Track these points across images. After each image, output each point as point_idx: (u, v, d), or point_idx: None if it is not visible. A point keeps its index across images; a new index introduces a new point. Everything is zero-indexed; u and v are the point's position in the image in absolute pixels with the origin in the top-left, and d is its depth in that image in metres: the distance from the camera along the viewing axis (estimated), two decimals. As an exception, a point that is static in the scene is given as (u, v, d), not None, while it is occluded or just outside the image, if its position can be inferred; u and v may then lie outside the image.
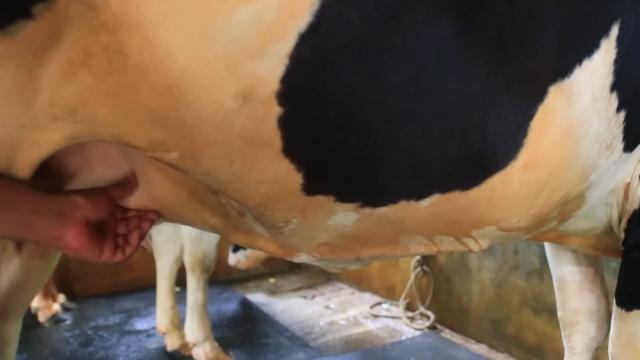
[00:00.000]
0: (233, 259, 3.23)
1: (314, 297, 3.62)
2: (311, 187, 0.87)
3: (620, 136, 1.00)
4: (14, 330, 1.21)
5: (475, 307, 2.88)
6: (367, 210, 0.92)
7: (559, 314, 1.70)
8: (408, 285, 3.18)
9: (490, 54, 0.78)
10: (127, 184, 0.98)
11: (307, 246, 1.05)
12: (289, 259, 1.11)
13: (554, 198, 0.99)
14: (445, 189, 0.89)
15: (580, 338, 1.67)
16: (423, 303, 3.13)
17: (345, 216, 0.94)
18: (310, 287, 3.86)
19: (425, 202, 0.90)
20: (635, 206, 1.17)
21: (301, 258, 1.10)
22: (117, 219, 0.96)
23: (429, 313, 3.07)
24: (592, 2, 0.84)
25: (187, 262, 2.35)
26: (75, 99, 0.79)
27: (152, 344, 2.66)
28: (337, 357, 2.59)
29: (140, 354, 2.57)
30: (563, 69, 0.84)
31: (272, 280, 3.98)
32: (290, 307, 3.38)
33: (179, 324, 2.53)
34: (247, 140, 0.81)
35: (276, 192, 0.89)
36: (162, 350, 2.57)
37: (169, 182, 0.97)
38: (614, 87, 0.92)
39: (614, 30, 0.87)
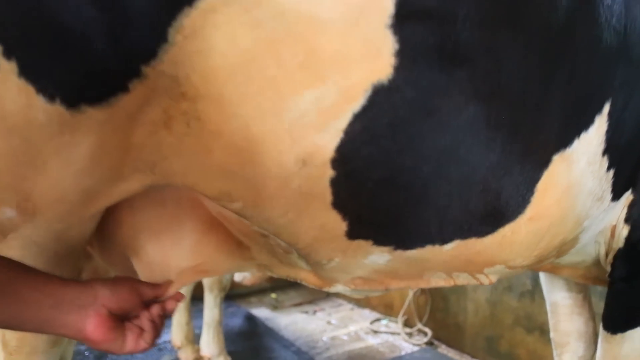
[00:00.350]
0: (239, 275, 3.38)
1: (315, 312, 3.77)
2: (353, 233, 1.05)
3: (609, 189, 1.19)
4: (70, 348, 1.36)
5: (470, 325, 3.06)
6: (399, 252, 1.10)
7: (552, 334, 1.88)
8: (406, 303, 3.35)
9: (507, 132, 0.97)
10: (162, 287, 1.01)
11: (343, 279, 1.23)
12: (325, 289, 1.28)
13: (554, 242, 1.18)
14: (464, 236, 1.07)
15: (570, 357, 1.85)
16: (421, 320, 3.31)
17: (380, 256, 1.11)
18: (310, 302, 4.02)
19: (447, 247, 1.08)
20: (620, 245, 1.36)
21: (337, 288, 1.27)
22: (142, 307, 0.94)
23: (427, 329, 3.24)
24: (590, 87, 1.03)
25: (206, 281, 2.50)
26: (156, 155, 0.96)
27: (165, 358, 2.80)
28: (342, 371, 2.75)
29: (155, 367, 2.71)
30: (565, 141, 1.03)
31: (273, 295, 4.12)
32: (293, 322, 3.53)
33: (193, 339, 2.68)
34: (303, 195, 0.98)
35: (323, 237, 1.06)
36: (176, 363, 2.72)
37: (230, 225, 1.14)
38: (605, 152, 1.11)
39: (606, 108, 1.07)
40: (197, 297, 2.77)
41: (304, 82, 0.88)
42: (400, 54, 0.89)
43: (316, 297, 4.11)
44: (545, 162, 1.03)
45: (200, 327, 2.72)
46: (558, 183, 1.06)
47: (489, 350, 2.95)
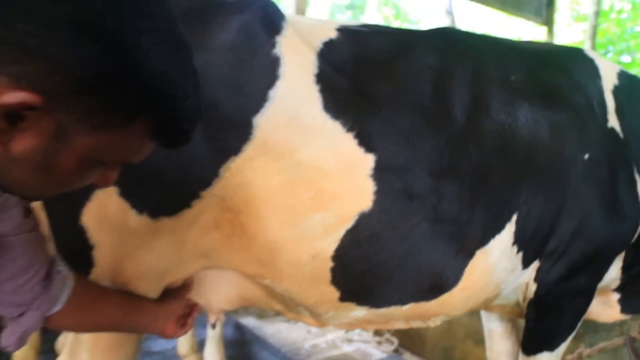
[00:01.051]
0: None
1: (296, 322, 4.26)
2: (343, 299, 1.57)
3: (520, 263, 1.73)
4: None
5: (430, 336, 3.61)
6: (373, 310, 1.62)
7: (487, 354, 2.43)
8: (376, 315, 3.88)
9: (446, 239, 1.50)
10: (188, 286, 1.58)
11: (334, 323, 1.74)
12: (321, 327, 1.79)
13: (479, 301, 1.71)
14: (417, 301, 1.60)
15: (502, 371, 2.41)
16: (389, 330, 3.84)
17: (359, 312, 1.64)
18: (291, 311, 4.51)
19: (405, 307, 1.62)
20: (531, 295, 1.90)
21: (329, 328, 1.78)
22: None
23: (394, 339, 3.78)
24: (502, 206, 1.56)
25: (210, 301, 2.97)
26: (208, 247, 1.45)
27: (171, 365, 3.27)
28: (322, 376, 3.27)
29: (161, 373, 3.17)
30: (484, 242, 1.57)
31: (258, 304, 4.60)
32: (278, 330, 4.03)
33: (197, 348, 3.15)
34: (312, 277, 1.48)
35: (323, 300, 1.57)
36: (180, 371, 3.18)
37: (259, 290, 1.63)
38: (514, 243, 1.64)
39: (514, 217, 1.60)
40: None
41: (314, 209, 1.39)
42: (377, 193, 1.41)
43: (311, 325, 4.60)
44: (471, 255, 1.56)
45: (199, 335, 3.19)
46: (479, 267, 1.59)
47: (445, 357, 3.50)
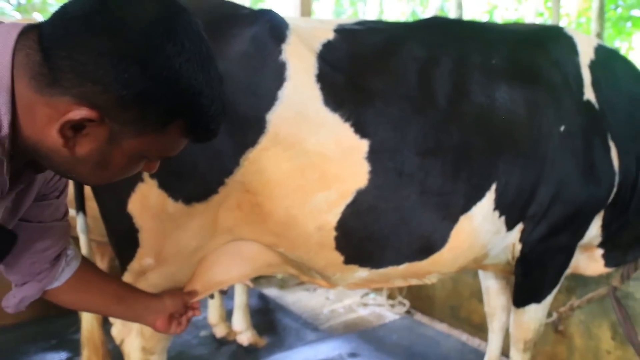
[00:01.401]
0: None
1: (315, 289, 4.57)
2: (347, 262, 1.83)
3: (504, 226, 1.97)
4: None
5: (438, 297, 3.88)
6: (373, 271, 1.89)
7: (485, 308, 2.69)
8: (389, 280, 4.16)
9: (433, 207, 1.75)
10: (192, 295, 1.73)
11: (342, 283, 2.01)
12: (332, 288, 2.07)
13: (467, 259, 1.96)
14: (410, 261, 1.86)
15: (497, 322, 2.67)
16: (401, 293, 4.13)
17: (362, 273, 1.90)
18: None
19: (401, 267, 1.88)
20: (518, 254, 2.13)
21: (339, 288, 2.06)
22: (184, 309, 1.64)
23: (405, 301, 4.07)
24: (481, 177, 1.80)
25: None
26: (233, 223, 1.72)
27: (202, 333, 3.59)
28: (340, 337, 3.58)
29: (195, 340, 3.49)
30: (467, 208, 1.81)
31: (279, 276, 4.89)
32: (298, 299, 4.34)
33: (225, 317, 3.47)
34: (319, 244, 1.75)
35: (330, 264, 1.84)
36: (212, 337, 3.49)
37: (276, 257, 1.90)
38: (495, 209, 1.88)
39: (493, 186, 1.84)
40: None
41: (319, 188, 1.65)
42: (372, 173, 1.66)
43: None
44: (455, 220, 1.81)
45: (226, 306, 3.51)
46: (464, 230, 1.84)
47: (452, 316, 3.78)
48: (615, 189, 2.07)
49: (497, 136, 1.83)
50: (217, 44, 1.56)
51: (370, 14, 14.85)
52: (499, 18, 14.53)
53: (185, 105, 0.88)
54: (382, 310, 4.09)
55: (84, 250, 2.10)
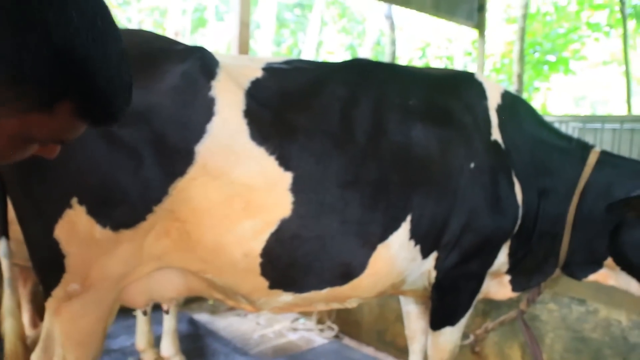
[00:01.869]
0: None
1: (246, 315, 4.59)
2: (272, 287, 1.93)
3: (419, 254, 2.12)
4: None
5: (366, 321, 4.02)
6: (297, 295, 1.99)
7: (406, 331, 2.84)
8: (319, 305, 4.26)
9: (353, 236, 1.89)
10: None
11: (267, 308, 2.09)
12: (257, 312, 2.15)
13: (385, 285, 2.11)
14: (332, 286, 1.98)
15: (417, 344, 2.82)
16: (329, 318, 4.23)
17: (287, 297, 2.00)
18: (242, 306, 4.83)
19: (323, 291, 1.99)
20: (433, 280, 2.30)
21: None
22: None
23: (334, 326, 4.17)
24: (397, 209, 1.95)
25: (165, 299, 3.28)
26: (161, 251, 1.78)
27: (129, 359, 3.53)
28: (269, 362, 3.62)
29: (121, 367, 3.43)
30: (384, 237, 1.95)
31: (210, 301, 4.88)
32: (229, 324, 4.34)
33: (153, 343, 3.43)
34: (245, 270, 1.84)
35: (255, 289, 1.93)
36: (139, 363, 3.46)
37: (203, 283, 1.96)
38: (411, 238, 2.03)
39: (409, 217, 1.99)
40: (155, 307, 3.50)
41: (245, 217, 1.74)
42: (295, 203, 1.77)
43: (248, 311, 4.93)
44: (373, 248, 1.95)
45: (155, 332, 3.47)
46: (382, 257, 1.98)
47: (378, 339, 3.92)
48: (519, 221, 2.29)
49: (412, 171, 2.00)
50: (151, 77, 1.65)
51: (309, 45, 15.23)
52: (431, 55, 15.35)
53: (72, 83, 0.79)
54: (312, 335, 4.17)
55: (5, 275, 2.06)
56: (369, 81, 2.10)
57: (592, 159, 2.33)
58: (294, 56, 16.40)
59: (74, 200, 1.62)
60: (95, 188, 1.64)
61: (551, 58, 13.83)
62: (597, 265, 2.38)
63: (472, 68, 11.46)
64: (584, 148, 2.40)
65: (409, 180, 1.99)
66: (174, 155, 1.66)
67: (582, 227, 2.32)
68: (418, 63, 15.53)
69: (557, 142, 2.40)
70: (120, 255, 1.74)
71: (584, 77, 18.66)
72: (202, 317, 4.48)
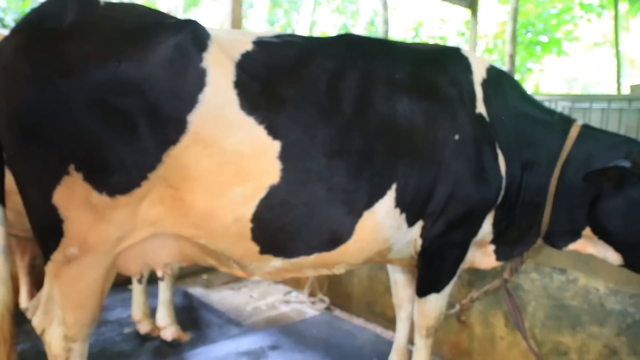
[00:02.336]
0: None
1: (239, 289, 4.70)
2: (262, 252, 2.02)
3: (404, 222, 2.21)
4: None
5: (356, 293, 4.13)
6: (287, 260, 2.08)
7: (393, 299, 2.95)
8: (310, 278, 4.37)
9: (340, 203, 1.97)
10: None
11: (258, 273, 2.19)
12: (249, 278, 2.24)
13: (372, 251, 2.20)
14: (320, 251, 2.07)
15: (404, 312, 2.94)
16: (321, 291, 4.34)
17: (276, 262, 2.09)
18: (236, 281, 4.91)
19: (311, 257, 2.08)
20: (419, 248, 2.39)
21: (255, 278, 2.23)
22: None
23: (325, 298, 4.29)
24: (383, 177, 2.03)
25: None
26: (155, 217, 1.86)
27: (126, 330, 3.63)
28: (262, 331, 3.73)
29: (118, 337, 3.52)
30: (370, 204, 2.03)
31: (204, 276, 4.98)
32: (223, 297, 4.45)
33: (149, 314, 3.53)
34: (236, 235, 1.92)
35: (247, 253, 2.02)
36: (135, 334, 3.53)
37: (196, 248, 2.04)
38: (396, 206, 2.12)
39: (394, 186, 2.07)
40: (150, 281, 3.59)
41: (236, 184, 1.82)
42: (283, 170, 1.86)
43: (240, 276, 5.02)
44: (359, 215, 2.03)
45: (150, 304, 3.57)
46: (368, 224, 2.07)
47: (368, 311, 4.04)
48: (503, 191, 2.37)
49: (397, 142, 2.07)
50: (145, 49, 1.70)
51: (303, 25, 15.16)
52: (424, 35, 15.32)
53: None
54: (303, 307, 4.28)
55: (1, 242, 2.11)
56: (356, 55, 2.16)
57: (574, 132, 2.41)
58: (287, 36, 16.29)
59: (71, 167, 1.69)
60: (92, 155, 1.71)
61: (544, 39, 13.85)
62: (576, 234, 2.47)
63: (465, 48, 11.43)
64: (566, 121, 2.48)
65: (394, 151, 2.06)
66: (168, 124, 1.73)
67: (563, 198, 2.41)
68: (411, 43, 15.47)
69: (540, 115, 2.48)
70: (116, 219, 1.81)
71: (577, 58, 18.72)
72: (196, 290, 4.59)
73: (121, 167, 1.72)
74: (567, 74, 22.23)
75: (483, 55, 14.72)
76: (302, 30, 14.96)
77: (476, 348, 3.35)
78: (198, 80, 1.75)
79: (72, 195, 1.73)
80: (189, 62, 1.75)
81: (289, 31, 16.53)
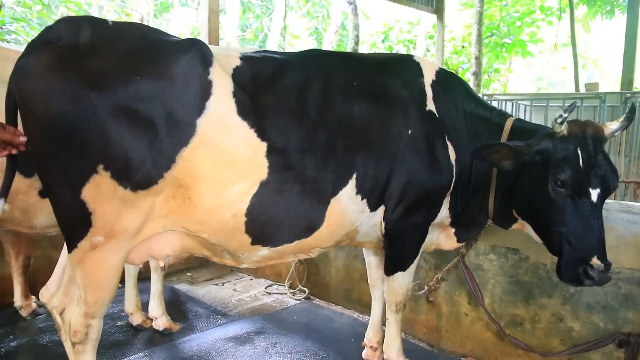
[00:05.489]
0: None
1: (223, 284, 4.96)
2: (253, 243, 2.33)
3: (367, 207, 2.53)
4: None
5: (334, 282, 4.43)
6: (272, 249, 2.39)
7: (368, 280, 3.26)
8: (290, 271, 4.66)
9: (310, 195, 2.30)
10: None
11: (248, 261, 2.48)
12: (238, 266, 2.53)
13: (340, 235, 2.51)
14: (299, 238, 2.38)
15: (378, 291, 3.25)
16: (301, 282, 4.63)
17: (264, 251, 2.40)
18: (219, 277, 5.18)
19: (292, 244, 2.40)
20: (383, 231, 2.71)
21: (244, 266, 2.53)
22: None
23: (305, 289, 4.58)
24: (341, 169, 2.36)
25: (152, 264, 3.61)
26: (167, 211, 2.16)
27: (119, 322, 3.86)
28: (247, 320, 4.01)
29: (112, 329, 3.75)
30: (335, 193, 2.35)
31: (189, 274, 5.23)
32: (208, 292, 4.71)
33: (141, 306, 3.77)
34: (233, 229, 2.23)
35: (240, 245, 2.31)
36: (128, 325, 3.77)
37: (196, 242, 2.33)
38: (357, 193, 2.44)
39: (354, 176, 2.40)
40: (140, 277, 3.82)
41: (233, 182, 2.14)
42: (269, 167, 2.18)
43: (223, 272, 5.29)
44: (328, 202, 2.35)
45: (143, 299, 3.81)
46: (335, 210, 2.39)
47: (345, 298, 4.34)
48: (454, 178, 2.71)
49: (355, 138, 2.42)
50: (160, 65, 2.04)
51: (274, 29, 15.45)
52: (394, 39, 15.76)
53: None
54: (285, 298, 4.57)
55: None
56: (319, 68, 2.52)
57: (508, 125, 2.77)
58: (259, 40, 16.63)
59: (100, 167, 1.97)
60: (118, 156, 1.98)
61: (509, 41, 14.41)
62: (512, 216, 2.79)
63: (433, 51, 11.90)
64: (503, 116, 2.85)
65: (352, 145, 2.40)
66: (181, 128, 2.03)
67: (502, 183, 2.74)
68: (381, 46, 15.94)
69: (482, 111, 2.84)
70: (137, 210, 2.09)
71: (542, 59, 19.42)
72: (182, 287, 4.84)
73: (143, 167, 2.00)
74: (534, 75, 23.00)
75: (451, 57, 15.22)
76: (274, 35, 15.25)
77: (444, 325, 3.68)
78: (206, 90, 2.08)
79: (100, 191, 1.99)
80: (199, 75, 2.07)
81: (261, 36, 16.81)
